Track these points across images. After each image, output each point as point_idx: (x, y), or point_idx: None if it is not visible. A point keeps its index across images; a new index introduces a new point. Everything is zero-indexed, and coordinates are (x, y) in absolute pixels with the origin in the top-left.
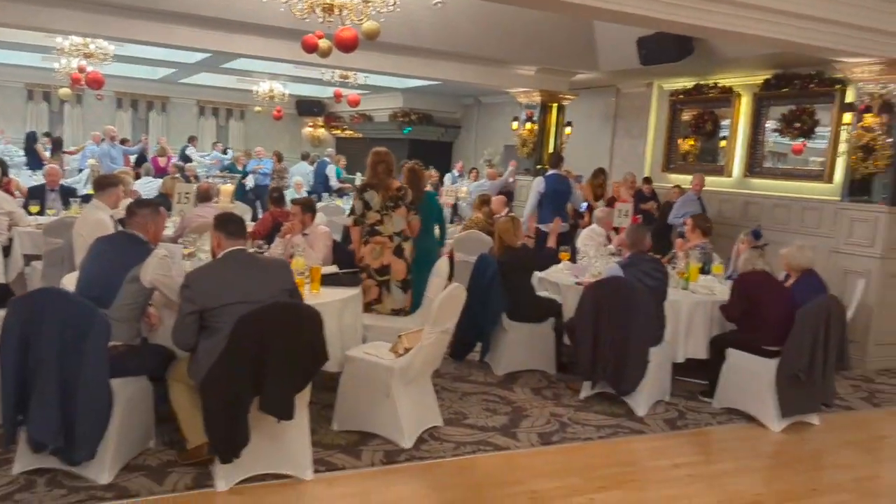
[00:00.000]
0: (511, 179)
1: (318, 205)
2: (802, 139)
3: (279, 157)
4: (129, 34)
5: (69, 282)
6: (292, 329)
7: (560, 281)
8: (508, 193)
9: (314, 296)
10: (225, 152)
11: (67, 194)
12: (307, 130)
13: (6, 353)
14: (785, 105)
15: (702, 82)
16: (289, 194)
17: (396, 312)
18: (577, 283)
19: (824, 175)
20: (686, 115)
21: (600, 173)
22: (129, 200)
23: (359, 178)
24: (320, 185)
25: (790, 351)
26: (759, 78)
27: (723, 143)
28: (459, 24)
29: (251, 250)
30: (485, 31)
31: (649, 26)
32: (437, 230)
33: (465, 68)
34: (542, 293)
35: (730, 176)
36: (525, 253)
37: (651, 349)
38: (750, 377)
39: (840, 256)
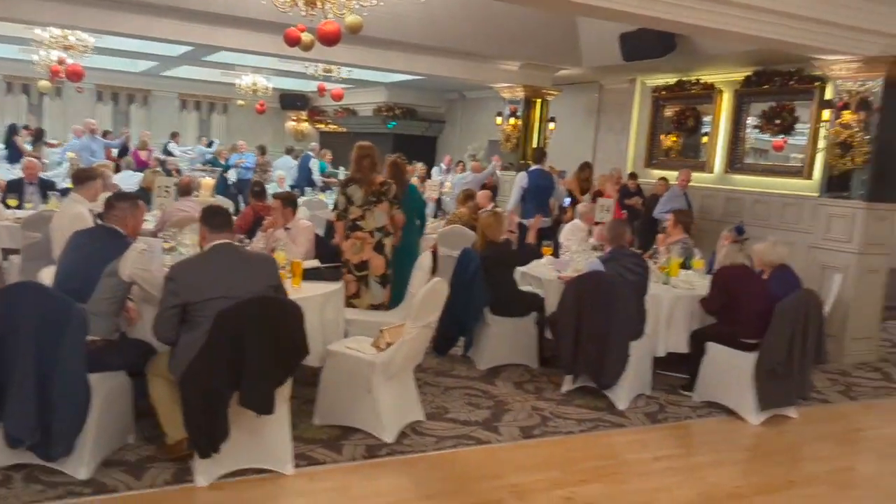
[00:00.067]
0: (497, 172)
1: (302, 199)
2: (782, 136)
3: (262, 151)
4: (109, 26)
5: (47, 276)
6: (272, 323)
7: (542, 275)
8: (493, 188)
9: (295, 290)
10: (210, 145)
11: (46, 188)
12: (290, 125)
13: None
14: (765, 102)
15: (684, 79)
16: (272, 188)
17: (375, 307)
18: (560, 278)
19: (804, 171)
20: (668, 111)
21: (586, 167)
22: (108, 194)
23: (342, 173)
24: (304, 179)
25: (768, 345)
26: (741, 75)
27: (704, 140)
28: (443, 18)
29: None
30: (468, 26)
31: (631, 22)
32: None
33: (449, 63)
34: (525, 288)
35: (711, 172)
36: (507, 248)
37: (632, 343)
38: (729, 371)
39: (818, 252)
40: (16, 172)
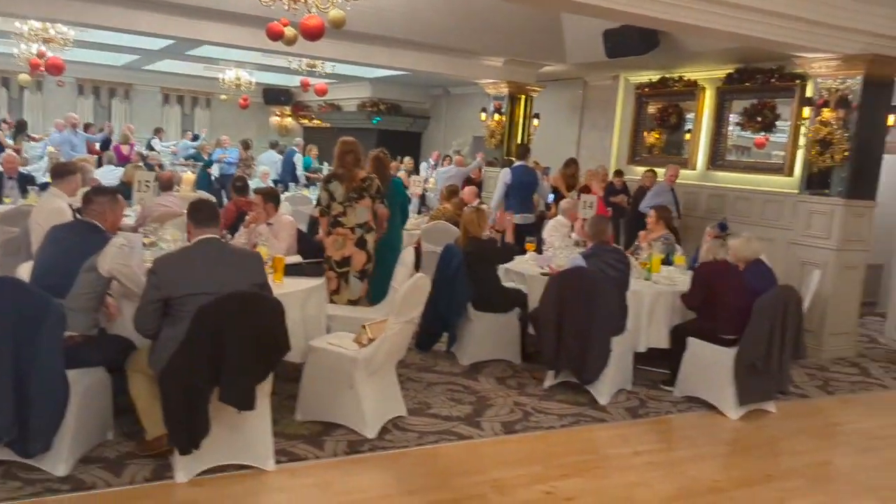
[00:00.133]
0: (481, 168)
1: (285, 194)
2: (764, 133)
3: (245, 146)
4: (90, 19)
5: (24, 271)
6: (252, 319)
7: (525, 271)
8: (479, 184)
9: (277, 286)
10: (195, 139)
11: (25, 182)
12: (274, 119)
13: None
14: (747, 99)
15: (667, 76)
16: (256, 184)
17: (353, 303)
18: (543, 274)
19: (785, 168)
20: (651, 108)
21: (572, 163)
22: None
23: (327, 169)
24: (288, 174)
25: (748, 340)
26: (723, 72)
27: (687, 137)
28: (426, 14)
29: None
30: (452, 21)
31: (615, 19)
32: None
33: (433, 58)
34: (508, 284)
35: (694, 168)
36: (490, 244)
37: (613, 339)
38: (709, 366)
39: (798, 248)
40: None
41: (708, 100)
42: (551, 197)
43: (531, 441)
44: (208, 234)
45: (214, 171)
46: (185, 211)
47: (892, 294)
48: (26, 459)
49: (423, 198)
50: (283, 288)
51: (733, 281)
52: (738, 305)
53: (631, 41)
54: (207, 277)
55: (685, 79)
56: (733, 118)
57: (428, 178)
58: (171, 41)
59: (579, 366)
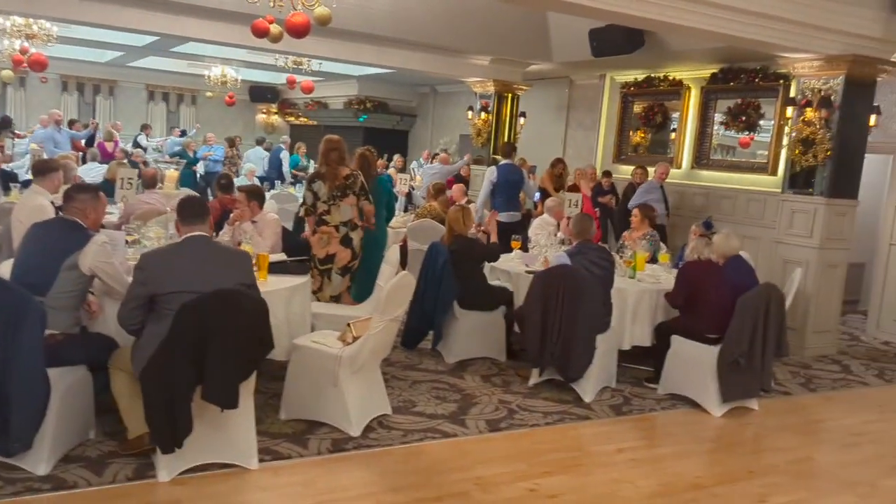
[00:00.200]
0: (466, 167)
1: (271, 192)
2: (748, 132)
3: (231, 144)
4: (73, 15)
5: (5, 269)
6: (236, 317)
7: (511, 269)
8: (467, 181)
9: (261, 284)
10: (183, 135)
11: (7, 179)
12: (261, 117)
13: None
14: (731, 99)
15: (652, 75)
16: (242, 181)
17: (335, 298)
18: (529, 272)
19: (768, 167)
20: (637, 107)
21: (559, 163)
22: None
23: (314, 167)
24: (274, 171)
25: (731, 338)
26: (708, 72)
27: (672, 136)
28: (413, 12)
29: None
30: (439, 19)
31: (600, 18)
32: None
33: (420, 57)
34: (493, 282)
35: (679, 167)
36: (475, 242)
37: (598, 336)
38: (693, 364)
39: (781, 246)
40: None
41: (693, 99)
42: (537, 195)
43: (515, 439)
44: (197, 231)
45: (200, 168)
46: (169, 208)
47: (874, 292)
48: (6, 459)
49: (409, 196)
50: (268, 286)
51: (717, 280)
52: (721, 304)
53: (616, 40)
54: (194, 276)
55: (670, 78)
56: (718, 117)
57: (414, 176)
58: (155, 38)
59: (564, 364)
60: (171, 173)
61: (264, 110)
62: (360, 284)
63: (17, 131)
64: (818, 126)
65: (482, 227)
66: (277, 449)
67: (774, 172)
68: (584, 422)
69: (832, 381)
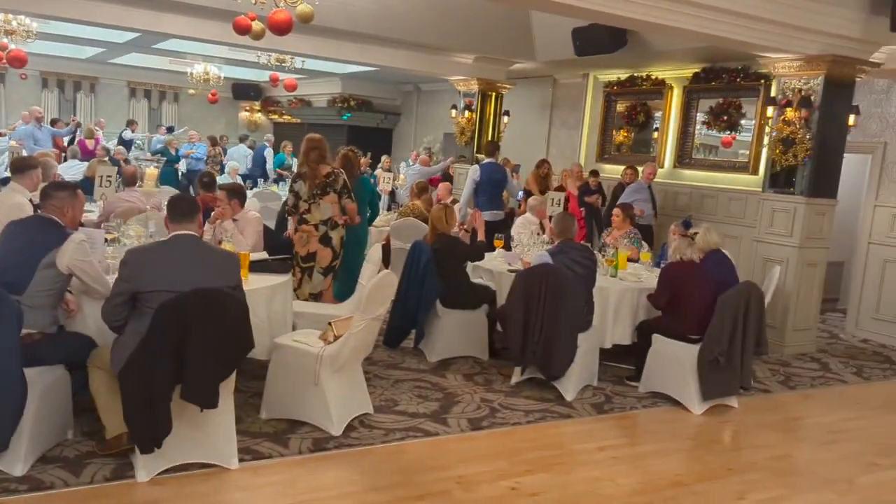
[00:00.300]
0: (448, 169)
1: (253, 190)
2: (729, 132)
3: (213, 143)
4: (52, 11)
5: None
6: (215, 316)
7: (494, 268)
8: (451, 181)
9: (243, 282)
10: (170, 130)
11: None
12: (244, 115)
13: None
14: (713, 98)
15: (635, 74)
16: (225, 179)
17: (315, 297)
18: (510, 271)
19: (749, 167)
20: (620, 107)
21: (544, 163)
22: None
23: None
24: (258, 168)
25: (711, 336)
26: (690, 71)
27: (655, 135)
28: (396, 9)
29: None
30: (422, 17)
31: (582, 17)
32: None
33: (403, 55)
34: (476, 280)
35: (662, 166)
36: (458, 240)
37: (580, 335)
38: (673, 362)
39: (761, 245)
40: None
41: (675, 98)
42: (520, 194)
43: (497, 437)
44: (185, 230)
45: (182, 166)
46: (149, 206)
47: (853, 291)
48: None
49: (392, 194)
50: (249, 284)
51: (700, 282)
52: (703, 306)
53: (599, 40)
54: (178, 276)
55: (653, 77)
56: (700, 117)
57: (398, 175)
58: (136, 34)
59: (546, 362)
60: (151, 171)
61: (247, 108)
62: (342, 283)
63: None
64: (798, 126)
65: (465, 226)
66: (258, 448)
67: (755, 172)
68: (566, 420)
69: (811, 378)
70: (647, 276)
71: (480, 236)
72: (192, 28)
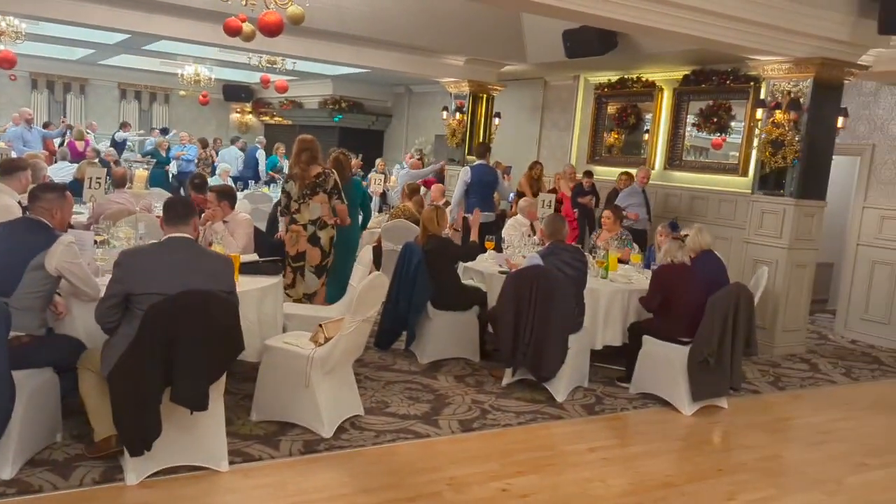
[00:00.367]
0: (440, 171)
1: (244, 192)
2: (719, 134)
3: (204, 145)
4: (41, 12)
5: None
6: (205, 318)
7: (485, 269)
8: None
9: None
10: (164, 132)
11: None
12: (235, 116)
13: None
14: (703, 100)
15: (626, 76)
16: (217, 181)
17: (309, 297)
18: (501, 272)
19: (739, 169)
20: (611, 109)
21: (536, 165)
22: None
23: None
24: (250, 170)
25: (701, 337)
26: (680, 73)
27: (646, 137)
28: (387, 11)
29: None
30: (413, 19)
31: (573, 20)
32: (361, 219)
33: (394, 57)
34: (467, 282)
35: (652, 168)
36: (449, 242)
37: (570, 336)
38: (664, 363)
39: (751, 246)
40: None
41: (665, 101)
42: (511, 195)
43: (488, 439)
44: (179, 233)
45: (172, 168)
46: (139, 208)
47: (842, 292)
48: None
49: (384, 196)
50: (239, 286)
51: (691, 285)
52: (694, 308)
53: (590, 42)
54: (171, 279)
55: (643, 79)
56: (690, 119)
57: (389, 177)
58: (126, 35)
59: (536, 363)
60: (141, 173)
61: (238, 109)
62: (333, 285)
63: None
64: (787, 128)
65: (454, 226)
66: (248, 451)
67: (745, 173)
68: (557, 421)
69: (801, 379)
70: (638, 278)
71: (474, 236)
72: (183, 29)
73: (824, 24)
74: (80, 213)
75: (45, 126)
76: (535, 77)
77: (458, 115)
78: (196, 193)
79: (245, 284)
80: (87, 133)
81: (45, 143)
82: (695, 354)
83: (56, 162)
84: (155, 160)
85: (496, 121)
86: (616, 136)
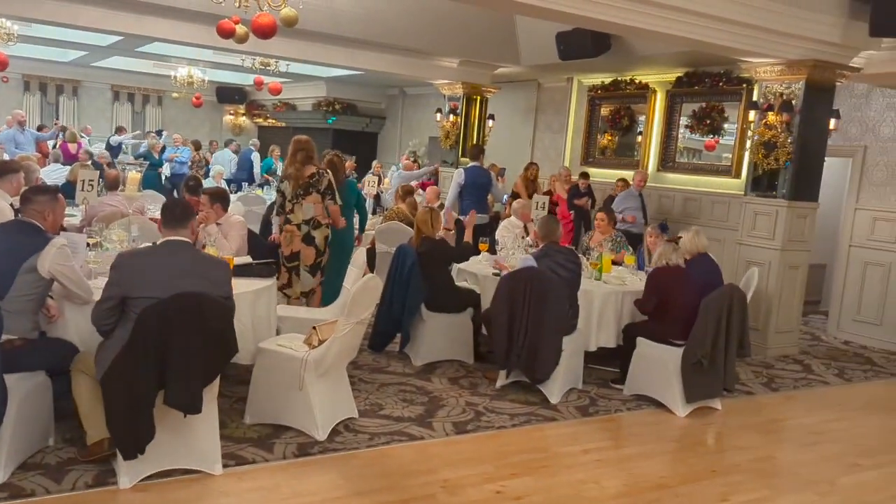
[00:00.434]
0: (428, 175)
1: (237, 194)
2: (712, 136)
3: (197, 147)
4: (32, 13)
5: None
6: (198, 320)
7: (479, 272)
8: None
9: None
10: (159, 134)
11: None
12: (228, 118)
13: None
14: (696, 102)
15: (619, 78)
16: (210, 184)
17: (306, 295)
18: (495, 274)
19: (732, 170)
20: (604, 110)
21: (531, 165)
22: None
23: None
24: (244, 172)
25: (694, 339)
26: (673, 75)
27: (639, 139)
28: (381, 13)
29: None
30: (407, 21)
31: (566, 22)
32: (356, 221)
33: (388, 58)
34: (461, 284)
35: (645, 170)
36: (443, 244)
37: (564, 338)
38: (658, 365)
39: (744, 248)
40: None
41: (659, 102)
42: (505, 197)
43: (482, 441)
44: (178, 236)
45: (166, 170)
46: (132, 210)
47: (834, 293)
48: None
49: (377, 198)
50: (233, 288)
51: (685, 287)
52: (689, 310)
53: (583, 44)
54: (169, 283)
55: (636, 81)
56: (683, 121)
57: (383, 179)
58: (118, 37)
59: (531, 365)
60: (134, 175)
61: (232, 111)
62: (327, 287)
63: None
64: (779, 130)
65: (446, 226)
66: (242, 454)
67: (738, 175)
68: (551, 423)
69: (794, 380)
70: (632, 280)
71: (468, 237)
72: (176, 31)
73: (816, 26)
74: (73, 215)
75: (40, 129)
76: (529, 79)
77: (451, 118)
78: (191, 195)
79: (239, 287)
80: (81, 136)
81: (39, 144)
82: (688, 356)
83: (48, 164)
84: (148, 162)
85: (490, 123)
86: (609, 137)
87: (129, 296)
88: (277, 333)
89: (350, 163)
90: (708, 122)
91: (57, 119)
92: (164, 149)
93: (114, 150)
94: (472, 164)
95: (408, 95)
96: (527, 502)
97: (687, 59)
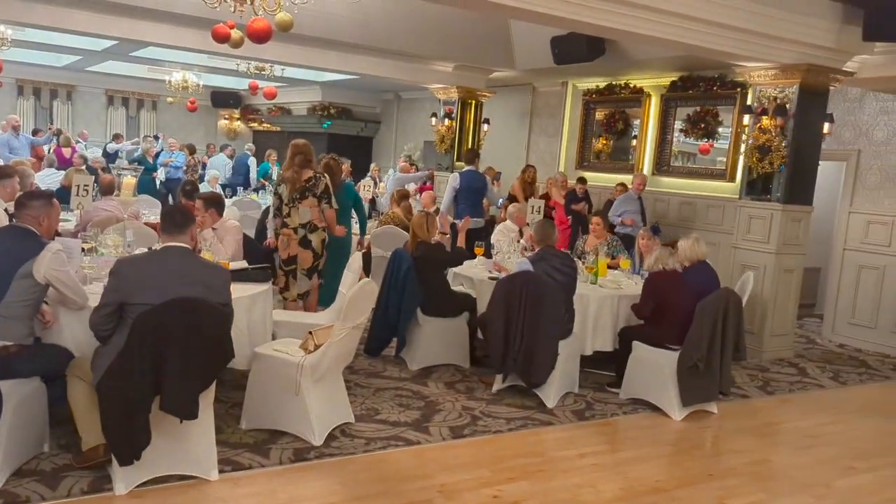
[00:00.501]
0: (424, 178)
1: (233, 199)
2: (707, 139)
3: (191, 151)
4: (25, 18)
5: None
6: (195, 326)
7: (474, 276)
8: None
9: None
10: (157, 139)
11: None
12: (223, 123)
13: None
14: (690, 106)
15: (614, 82)
16: (206, 188)
17: (302, 297)
18: (491, 278)
19: (727, 174)
20: (599, 114)
21: (529, 168)
22: None
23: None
24: (240, 177)
25: (690, 342)
26: (667, 79)
27: (634, 142)
28: (376, 18)
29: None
30: (401, 25)
31: (560, 26)
32: (355, 225)
33: (383, 63)
34: (457, 288)
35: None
36: (439, 248)
37: (560, 342)
38: (653, 369)
39: (739, 252)
40: None
41: (653, 106)
42: (501, 201)
43: (479, 445)
44: (177, 242)
45: (160, 175)
46: (127, 215)
47: (829, 296)
48: None
49: (373, 202)
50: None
51: (682, 291)
52: (686, 315)
53: (578, 48)
54: (168, 289)
55: (631, 86)
56: (678, 125)
57: (378, 183)
58: (114, 42)
59: (527, 369)
60: (129, 180)
61: (227, 116)
62: (324, 291)
63: None
64: (774, 134)
65: (441, 230)
66: (238, 459)
67: (732, 179)
68: (547, 427)
69: (789, 383)
70: (627, 283)
71: (460, 242)
72: (171, 36)
73: (810, 30)
74: (68, 220)
75: (35, 134)
76: (524, 83)
77: (446, 122)
78: (187, 200)
79: (234, 291)
80: (78, 141)
81: (34, 149)
82: (684, 359)
83: (43, 169)
84: (142, 167)
85: (485, 127)
86: (604, 141)
87: (128, 302)
88: (273, 338)
89: (346, 166)
90: (702, 125)
91: (51, 124)
92: (158, 153)
93: (110, 157)
94: (467, 168)
95: (403, 100)
96: None
97: (681, 63)
